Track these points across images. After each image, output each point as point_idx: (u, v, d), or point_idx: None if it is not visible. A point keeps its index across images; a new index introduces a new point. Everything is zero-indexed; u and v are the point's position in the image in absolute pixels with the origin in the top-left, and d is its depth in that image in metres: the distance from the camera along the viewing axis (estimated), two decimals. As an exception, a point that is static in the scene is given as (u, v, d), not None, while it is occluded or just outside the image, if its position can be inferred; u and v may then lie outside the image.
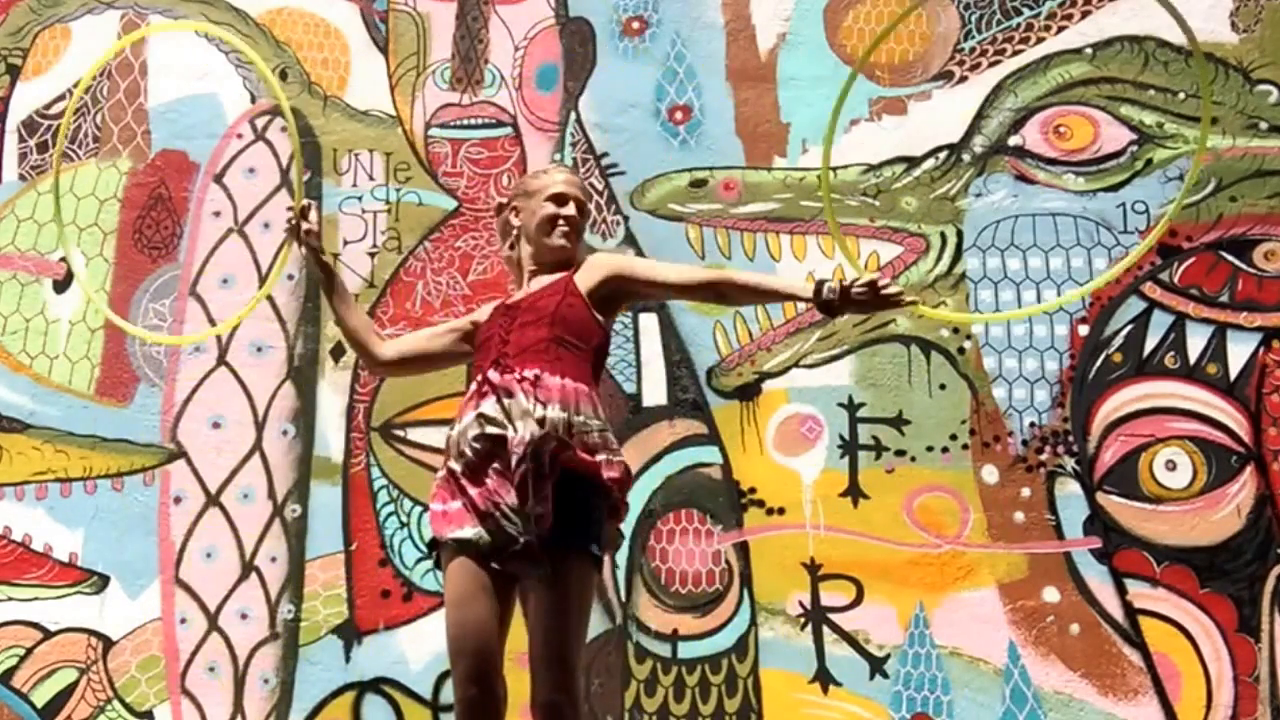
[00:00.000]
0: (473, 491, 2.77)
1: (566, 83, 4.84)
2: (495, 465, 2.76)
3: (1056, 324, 4.40)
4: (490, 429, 2.77)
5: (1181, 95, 4.51)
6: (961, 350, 4.42)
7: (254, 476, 4.59)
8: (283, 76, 4.98)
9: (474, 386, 2.90)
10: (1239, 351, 4.30)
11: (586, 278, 2.99)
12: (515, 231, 3.12)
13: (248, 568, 4.51)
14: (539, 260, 3.07)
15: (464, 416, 2.86)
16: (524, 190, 3.15)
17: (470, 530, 2.75)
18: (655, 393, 4.48)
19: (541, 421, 2.73)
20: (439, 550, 2.88)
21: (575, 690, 2.70)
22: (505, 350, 2.87)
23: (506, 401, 2.78)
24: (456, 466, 2.81)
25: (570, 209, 3.06)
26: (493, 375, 2.84)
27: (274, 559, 4.51)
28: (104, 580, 4.57)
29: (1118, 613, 4.15)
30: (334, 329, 4.67)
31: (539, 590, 2.72)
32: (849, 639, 4.22)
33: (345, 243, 4.78)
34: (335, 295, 3.23)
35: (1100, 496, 4.25)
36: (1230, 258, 4.37)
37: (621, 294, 3.03)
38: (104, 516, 4.62)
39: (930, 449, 4.34)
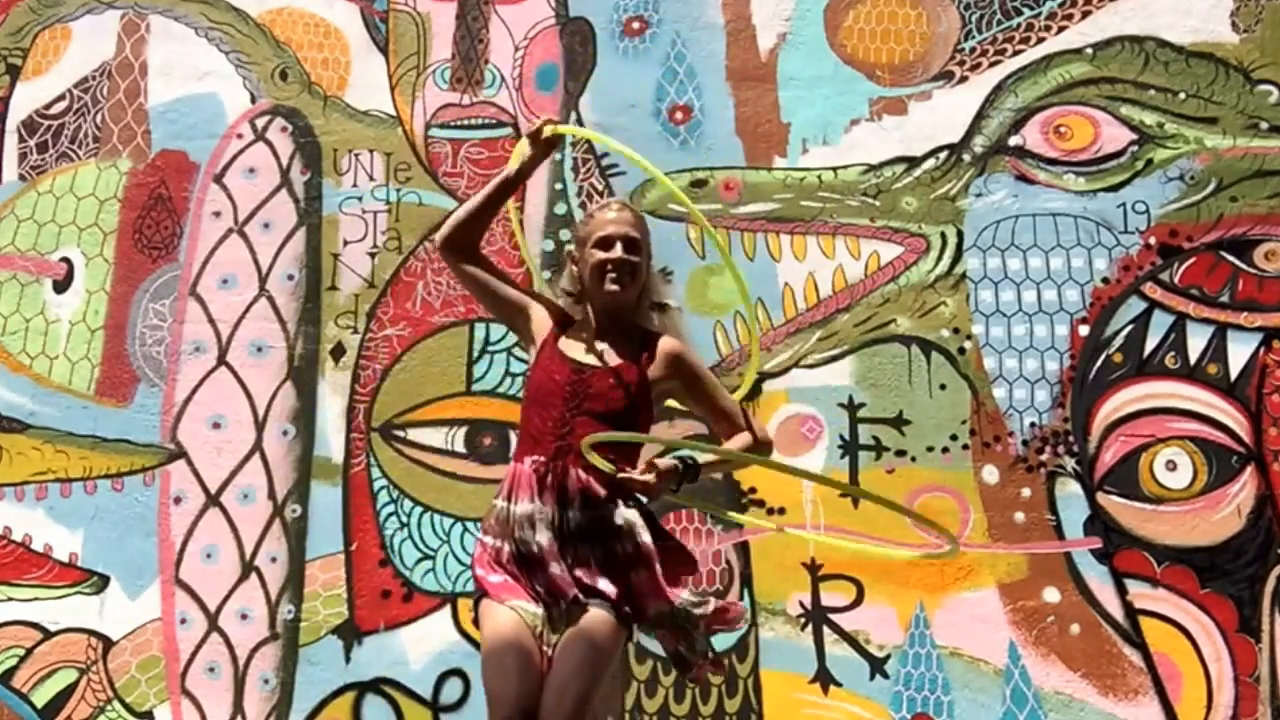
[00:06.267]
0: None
1: (566, 83, 4.84)
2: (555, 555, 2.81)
3: (1057, 324, 4.40)
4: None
5: (1182, 95, 4.52)
6: (962, 350, 4.42)
7: (254, 476, 4.59)
8: (283, 76, 4.98)
9: (531, 465, 2.86)
10: (1239, 351, 4.30)
11: (658, 370, 2.96)
12: (579, 281, 3.05)
13: (248, 568, 4.51)
14: (603, 308, 3.01)
15: (521, 499, 2.84)
16: (578, 237, 3.09)
17: (530, 606, 2.77)
18: (655, 393, 4.47)
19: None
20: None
21: None
22: (568, 440, 2.83)
23: (572, 514, 2.81)
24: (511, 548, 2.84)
25: (617, 251, 2.96)
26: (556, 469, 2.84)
27: (274, 559, 4.51)
28: (104, 580, 4.57)
29: (1118, 613, 4.15)
30: (334, 329, 4.68)
31: (574, 629, 2.73)
32: (849, 639, 4.22)
33: (345, 243, 4.77)
34: (503, 189, 3.06)
35: (1100, 497, 4.25)
36: (1230, 258, 4.37)
37: (672, 395, 3.05)
38: (104, 516, 4.62)
39: (930, 449, 4.34)
